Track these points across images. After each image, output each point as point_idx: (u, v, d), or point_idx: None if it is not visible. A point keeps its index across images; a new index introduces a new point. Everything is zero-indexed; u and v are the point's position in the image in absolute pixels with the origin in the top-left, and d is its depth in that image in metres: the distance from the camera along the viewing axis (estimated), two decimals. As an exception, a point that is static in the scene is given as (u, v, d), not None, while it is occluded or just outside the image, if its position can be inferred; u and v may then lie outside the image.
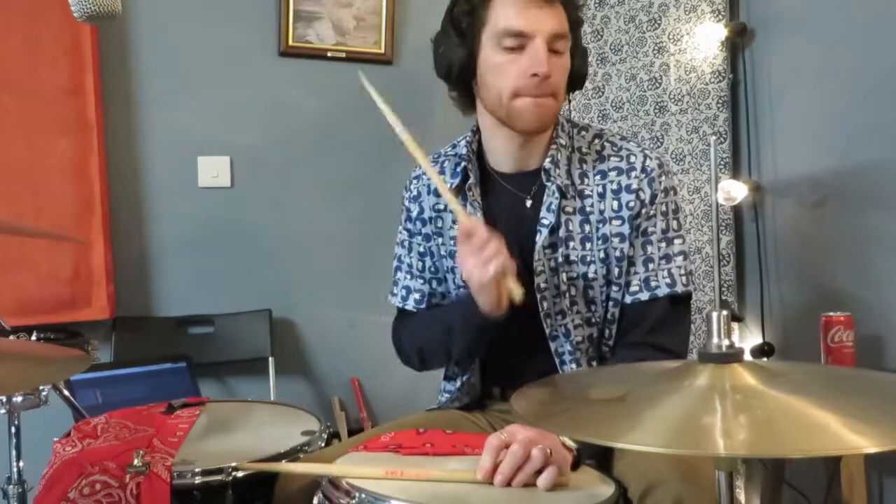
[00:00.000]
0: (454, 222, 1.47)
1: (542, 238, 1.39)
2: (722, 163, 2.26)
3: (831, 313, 1.91)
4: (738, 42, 2.29)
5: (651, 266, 1.39)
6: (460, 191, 1.46)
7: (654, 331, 1.39)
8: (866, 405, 0.80)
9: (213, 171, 2.50)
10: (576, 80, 1.42)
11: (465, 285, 1.47)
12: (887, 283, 1.99)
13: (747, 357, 1.04)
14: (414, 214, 1.55)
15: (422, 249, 1.55)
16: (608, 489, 1.12)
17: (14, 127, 2.18)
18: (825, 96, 2.13)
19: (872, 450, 0.70)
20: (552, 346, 1.43)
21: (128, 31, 2.37)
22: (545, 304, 1.41)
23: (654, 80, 2.40)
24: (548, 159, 1.40)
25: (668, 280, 1.39)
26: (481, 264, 1.24)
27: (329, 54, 2.62)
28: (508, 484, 1.10)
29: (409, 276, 1.57)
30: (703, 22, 2.29)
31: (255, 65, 2.55)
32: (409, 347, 1.56)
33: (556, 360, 1.43)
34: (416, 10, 2.74)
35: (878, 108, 2.00)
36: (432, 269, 1.55)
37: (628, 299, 1.41)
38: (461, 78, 1.42)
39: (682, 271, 1.40)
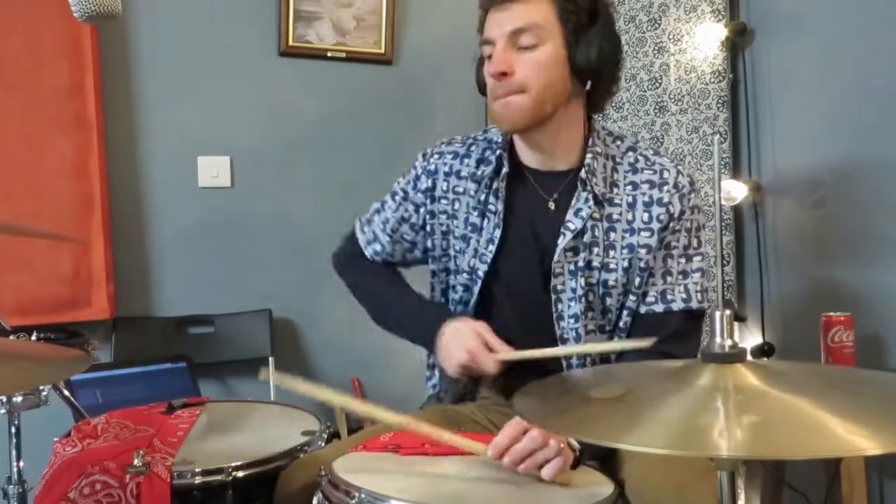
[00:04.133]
0: (473, 208, 1.48)
1: (564, 241, 1.39)
2: (722, 163, 2.26)
3: (831, 313, 1.91)
4: (738, 42, 2.29)
5: (669, 279, 1.41)
6: (490, 180, 1.46)
7: (666, 342, 1.39)
8: (868, 406, 0.80)
9: (213, 171, 2.50)
10: (581, 68, 1.35)
11: (469, 271, 1.48)
12: (887, 283, 1.99)
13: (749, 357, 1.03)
14: (422, 186, 1.53)
15: (405, 216, 1.55)
16: (607, 488, 1.12)
17: (14, 127, 2.18)
18: (825, 96, 2.13)
19: (874, 452, 0.70)
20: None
21: (128, 31, 2.37)
22: (559, 307, 1.42)
23: (654, 80, 2.40)
24: (584, 168, 1.40)
25: (683, 295, 1.41)
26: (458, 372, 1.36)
27: (329, 54, 2.62)
28: (515, 467, 1.13)
29: (380, 227, 1.60)
30: (703, 22, 2.29)
31: (255, 65, 2.55)
32: (356, 286, 1.63)
33: (564, 364, 1.43)
34: (416, 10, 2.74)
35: (878, 108, 2.00)
36: (407, 236, 1.56)
37: (643, 309, 1.42)
38: (485, 93, 1.45)
39: (699, 287, 1.42)
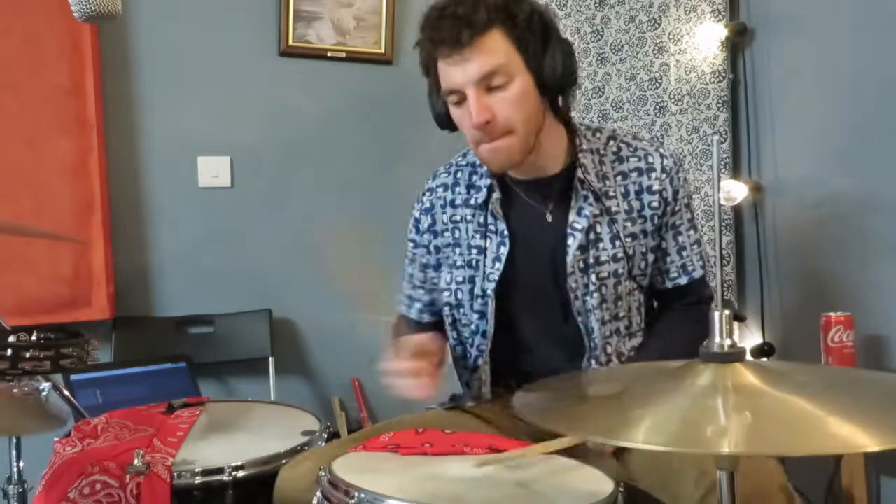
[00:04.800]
0: (476, 233, 1.48)
1: (575, 242, 1.42)
2: (722, 163, 2.26)
3: (831, 313, 1.91)
4: (738, 42, 2.29)
5: (685, 253, 1.50)
6: (484, 204, 1.47)
7: (702, 303, 1.52)
8: (868, 405, 0.80)
9: (213, 171, 2.50)
10: (550, 86, 1.37)
11: (482, 295, 1.48)
12: (887, 283, 1.99)
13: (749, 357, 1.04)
14: (424, 226, 1.56)
15: (424, 261, 1.57)
16: (607, 487, 1.11)
17: (14, 127, 2.18)
18: (825, 96, 2.13)
19: (873, 448, 0.70)
20: (586, 341, 1.45)
21: (128, 31, 2.37)
22: (576, 304, 1.44)
23: (654, 80, 2.39)
24: (580, 169, 1.42)
25: (700, 262, 1.52)
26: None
27: (329, 54, 2.62)
28: None
29: (410, 286, 1.61)
30: (703, 22, 2.29)
31: (255, 65, 2.55)
32: None
33: (587, 356, 1.45)
34: (416, 10, 2.72)
35: (878, 108, 2.00)
36: (435, 280, 1.57)
37: (669, 285, 1.51)
38: (450, 127, 1.45)
39: (704, 253, 1.54)
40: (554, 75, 1.35)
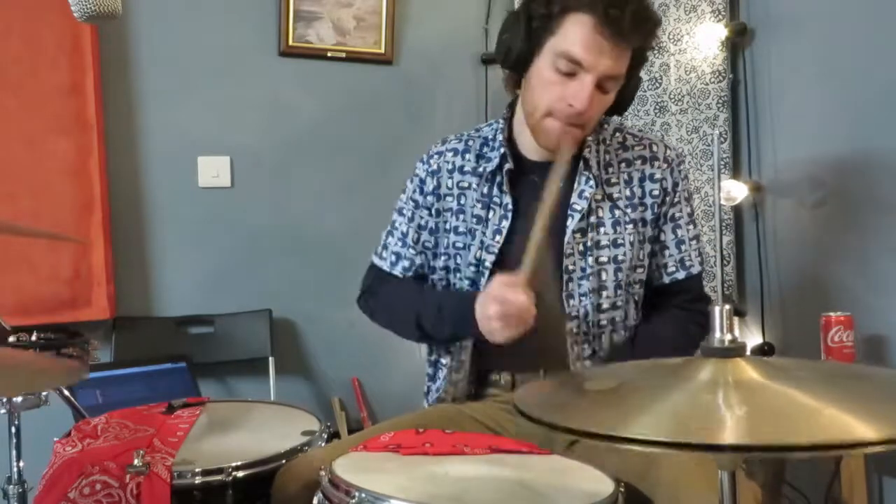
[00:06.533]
0: (477, 201, 1.51)
1: (573, 223, 1.45)
2: (722, 163, 2.26)
3: (831, 313, 1.91)
4: (738, 42, 2.29)
5: (683, 247, 1.53)
6: (493, 174, 1.51)
7: (699, 301, 1.55)
8: (868, 398, 0.80)
9: (213, 171, 2.50)
10: (619, 107, 1.47)
11: (476, 263, 1.50)
12: (887, 283, 1.99)
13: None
14: (428, 188, 1.57)
15: (423, 223, 1.58)
16: (607, 487, 1.11)
17: (14, 127, 2.18)
18: (825, 96, 2.13)
19: (874, 444, 0.69)
20: (567, 325, 1.46)
21: (128, 31, 2.37)
22: (570, 286, 1.46)
23: (654, 80, 2.40)
24: (586, 150, 1.48)
25: (699, 259, 1.56)
26: (504, 327, 1.31)
27: (329, 54, 2.62)
28: None
29: (400, 244, 1.60)
30: (703, 22, 2.29)
31: (255, 65, 2.55)
32: (382, 307, 1.60)
33: (569, 341, 1.46)
34: (416, 10, 2.74)
35: (879, 108, 2.00)
36: (429, 243, 1.58)
37: (666, 279, 1.53)
38: (515, 68, 1.46)
39: (702, 250, 1.57)
40: (626, 102, 1.47)
